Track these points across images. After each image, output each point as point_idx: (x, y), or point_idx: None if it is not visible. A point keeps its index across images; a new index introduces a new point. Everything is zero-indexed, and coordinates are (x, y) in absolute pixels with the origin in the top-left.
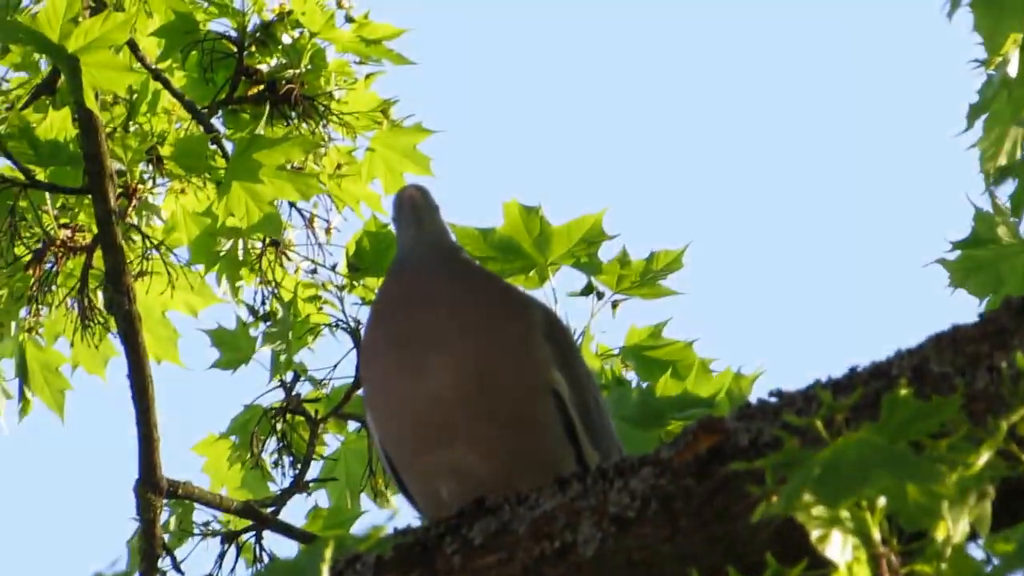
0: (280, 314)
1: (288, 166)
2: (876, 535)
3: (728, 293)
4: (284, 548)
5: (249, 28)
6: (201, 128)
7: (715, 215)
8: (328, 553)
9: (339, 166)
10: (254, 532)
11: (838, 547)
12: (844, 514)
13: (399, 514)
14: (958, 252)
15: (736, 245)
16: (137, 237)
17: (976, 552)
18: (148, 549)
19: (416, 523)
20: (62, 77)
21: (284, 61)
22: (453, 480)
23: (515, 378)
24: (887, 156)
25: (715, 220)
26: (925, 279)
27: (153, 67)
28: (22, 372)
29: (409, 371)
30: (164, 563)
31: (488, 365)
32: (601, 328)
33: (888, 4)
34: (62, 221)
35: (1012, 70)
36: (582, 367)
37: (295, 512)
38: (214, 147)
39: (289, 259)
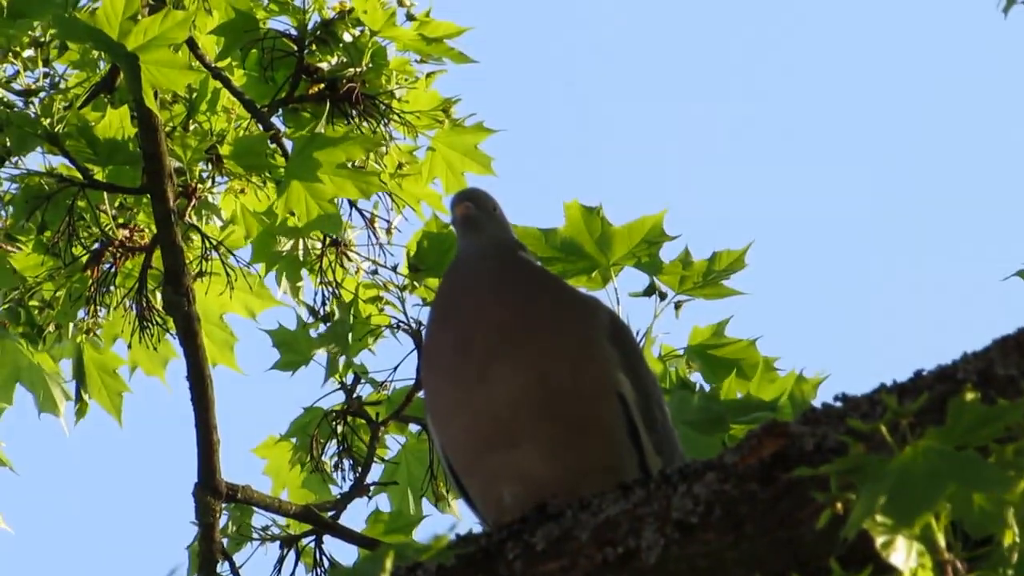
0: (338, 315)
1: (349, 164)
2: (942, 541)
3: (791, 294)
4: (344, 553)
5: (309, 26)
6: (261, 127)
7: (778, 215)
8: (389, 563)
9: (400, 165)
10: (314, 536)
11: (903, 553)
12: None
13: (461, 521)
14: None
15: (800, 246)
16: (196, 237)
17: None
18: (207, 553)
19: (477, 528)
20: (121, 75)
21: (345, 59)
22: (516, 483)
23: (580, 381)
24: (961, 159)
25: (778, 220)
26: (998, 288)
27: (212, 65)
28: (79, 374)
29: (472, 375)
30: (223, 568)
31: (553, 368)
32: (663, 330)
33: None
34: (120, 221)
35: None
36: (646, 370)
37: (355, 516)
38: (274, 146)
39: (350, 259)
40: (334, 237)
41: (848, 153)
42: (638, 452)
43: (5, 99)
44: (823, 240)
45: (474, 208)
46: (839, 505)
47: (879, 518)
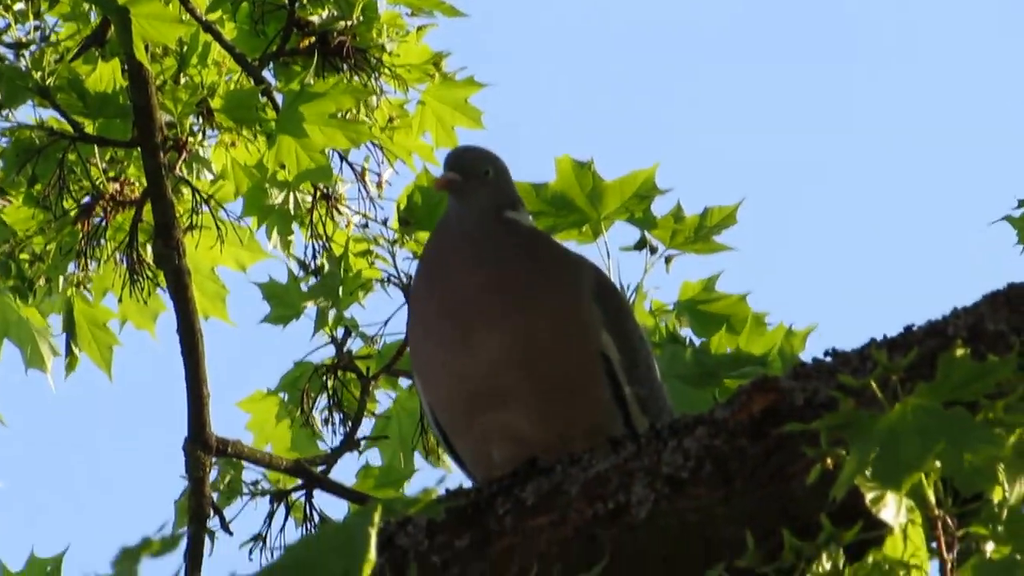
0: (329, 269)
1: (339, 115)
2: (931, 498)
3: (781, 249)
4: (335, 507)
5: None
6: (252, 80)
7: (770, 170)
8: (377, 517)
9: (391, 119)
10: (304, 491)
11: (893, 510)
12: None
13: (450, 475)
14: None
15: (790, 200)
16: (187, 191)
17: None
18: (197, 508)
19: (467, 484)
20: (112, 28)
21: (336, 13)
22: (504, 443)
23: (563, 341)
24: (950, 110)
25: (769, 175)
26: (989, 237)
27: (203, 19)
28: (69, 328)
29: (458, 336)
30: (213, 522)
31: (536, 329)
32: (655, 284)
33: None
34: (111, 174)
35: None
36: (633, 329)
37: (346, 471)
38: (264, 99)
39: (340, 213)
40: (325, 190)
41: (839, 106)
42: (623, 411)
43: None
44: (815, 193)
45: (458, 177)
46: (829, 461)
47: (869, 475)
